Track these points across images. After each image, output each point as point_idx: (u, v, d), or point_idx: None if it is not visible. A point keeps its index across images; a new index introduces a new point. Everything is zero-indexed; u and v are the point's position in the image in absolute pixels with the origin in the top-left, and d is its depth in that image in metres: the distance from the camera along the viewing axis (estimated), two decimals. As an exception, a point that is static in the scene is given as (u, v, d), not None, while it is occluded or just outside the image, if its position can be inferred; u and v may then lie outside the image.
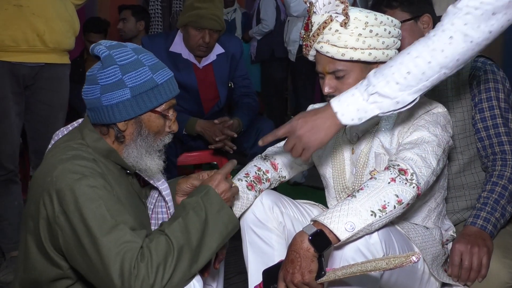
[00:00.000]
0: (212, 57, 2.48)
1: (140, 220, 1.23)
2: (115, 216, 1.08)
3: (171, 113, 1.25)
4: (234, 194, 1.26)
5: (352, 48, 1.28)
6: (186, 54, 2.44)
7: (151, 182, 1.32)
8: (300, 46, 3.37)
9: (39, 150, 2.16)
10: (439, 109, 1.35)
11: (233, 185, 1.26)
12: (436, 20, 1.65)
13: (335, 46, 1.28)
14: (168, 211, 1.34)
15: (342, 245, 1.17)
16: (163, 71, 1.21)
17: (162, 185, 1.32)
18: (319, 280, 1.15)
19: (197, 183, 1.33)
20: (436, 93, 1.58)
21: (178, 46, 2.44)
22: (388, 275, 1.24)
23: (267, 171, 1.50)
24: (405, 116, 1.34)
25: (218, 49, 2.48)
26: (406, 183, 1.19)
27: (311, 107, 1.60)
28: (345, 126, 1.24)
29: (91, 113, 1.20)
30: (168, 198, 1.33)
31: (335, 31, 1.28)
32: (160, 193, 1.32)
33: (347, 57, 1.29)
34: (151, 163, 1.24)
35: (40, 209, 1.12)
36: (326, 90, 1.34)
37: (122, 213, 1.10)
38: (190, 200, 1.18)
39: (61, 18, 2.09)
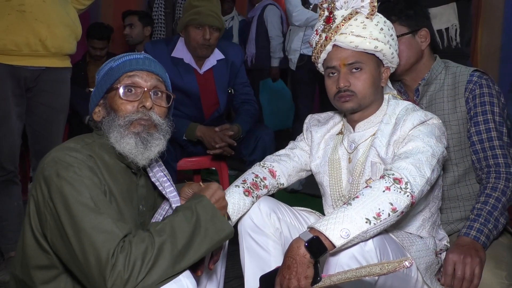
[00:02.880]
0: (212, 61, 2.51)
1: (128, 219, 1.23)
2: (99, 206, 1.10)
3: (134, 88, 1.23)
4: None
5: (375, 39, 1.36)
6: (188, 59, 2.47)
7: (163, 192, 1.32)
8: (301, 55, 3.41)
9: (39, 152, 2.18)
10: (434, 120, 1.39)
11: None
12: (433, 34, 1.69)
13: (360, 36, 1.36)
14: None
15: (337, 251, 1.20)
16: (122, 56, 1.27)
17: (174, 197, 1.32)
18: (315, 285, 1.18)
19: (197, 189, 1.34)
20: (433, 106, 1.62)
21: (180, 51, 2.48)
22: (382, 282, 1.26)
23: (265, 178, 1.52)
24: (400, 127, 1.37)
25: (218, 55, 2.52)
26: (400, 192, 1.22)
27: (310, 117, 1.63)
28: None
29: None
30: None
31: (361, 22, 1.37)
32: (170, 205, 1.32)
33: (371, 46, 1.36)
34: (126, 144, 1.21)
35: (32, 192, 1.16)
36: (342, 84, 1.38)
37: (106, 205, 1.12)
38: (183, 205, 1.20)
39: (63, 24, 2.12)
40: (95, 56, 3.49)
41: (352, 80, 1.38)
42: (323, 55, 1.42)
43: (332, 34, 1.38)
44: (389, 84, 1.53)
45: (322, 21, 1.43)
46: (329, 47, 1.40)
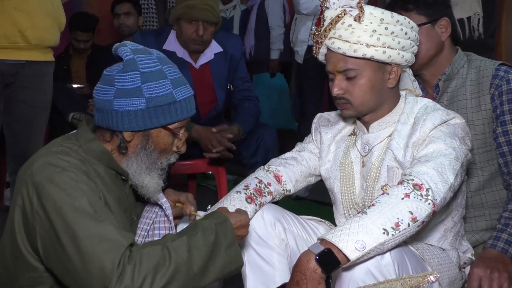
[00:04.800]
0: (209, 55, 2.49)
1: (125, 227, 1.22)
2: (99, 212, 1.08)
3: (182, 133, 1.27)
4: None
5: (365, 45, 1.31)
6: (181, 53, 2.45)
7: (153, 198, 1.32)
8: (309, 47, 3.38)
9: (18, 154, 2.16)
10: (457, 120, 1.37)
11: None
12: (455, 24, 1.67)
13: (347, 41, 1.31)
14: (171, 229, 1.35)
15: (351, 266, 1.18)
16: (184, 87, 1.23)
17: (166, 204, 1.33)
18: (326, 304, 1.16)
19: (183, 199, 1.38)
20: (455, 103, 1.60)
21: (172, 44, 2.46)
22: (401, 300, 1.25)
23: (269, 184, 1.51)
24: (420, 127, 1.35)
25: (216, 48, 2.50)
26: (421, 199, 1.21)
27: (319, 116, 1.61)
28: None
29: (98, 114, 1.21)
30: (171, 218, 1.34)
31: (348, 26, 1.31)
32: (162, 208, 1.33)
33: (359, 54, 1.31)
34: (149, 181, 1.24)
35: (17, 201, 1.13)
36: (336, 91, 1.36)
37: (106, 211, 1.11)
38: (203, 222, 1.19)
39: (46, 13, 2.10)
40: (79, 49, 3.47)
41: (348, 87, 1.35)
42: (321, 57, 1.42)
43: (322, 38, 1.36)
44: (411, 77, 1.50)
45: (315, 23, 1.41)
46: (323, 50, 1.39)
